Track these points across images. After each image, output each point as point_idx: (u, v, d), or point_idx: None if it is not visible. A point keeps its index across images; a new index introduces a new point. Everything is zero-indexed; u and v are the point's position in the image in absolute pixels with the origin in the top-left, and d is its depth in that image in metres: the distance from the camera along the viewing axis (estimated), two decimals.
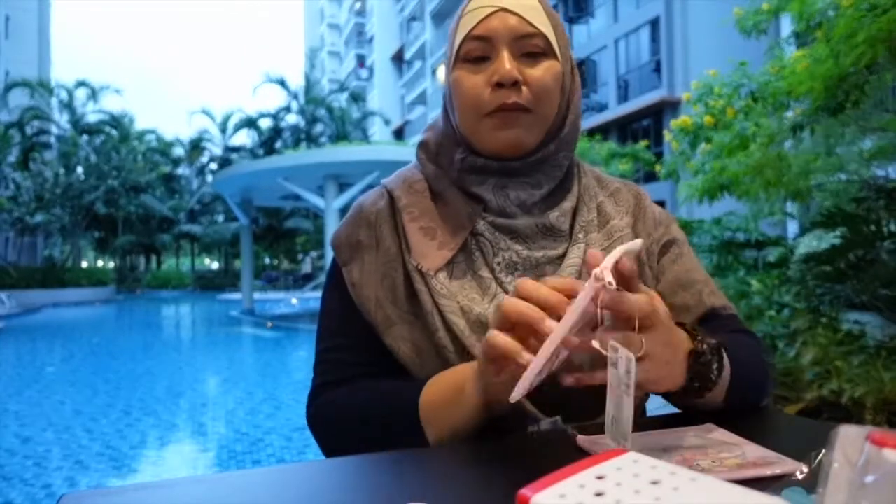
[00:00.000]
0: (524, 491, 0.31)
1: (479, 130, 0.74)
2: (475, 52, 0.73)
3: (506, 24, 0.71)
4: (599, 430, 0.58)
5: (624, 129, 18.48)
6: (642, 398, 0.80)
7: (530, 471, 0.35)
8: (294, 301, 18.19)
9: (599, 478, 0.32)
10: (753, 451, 0.53)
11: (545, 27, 0.73)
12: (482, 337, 0.70)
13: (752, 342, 0.76)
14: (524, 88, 0.71)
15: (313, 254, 29.88)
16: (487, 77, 0.72)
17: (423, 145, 0.83)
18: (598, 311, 0.51)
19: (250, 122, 28.48)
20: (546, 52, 0.73)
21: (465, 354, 0.70)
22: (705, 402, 0.64)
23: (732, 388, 0.66)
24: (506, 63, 0.70)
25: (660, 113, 17.02)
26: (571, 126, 0.77)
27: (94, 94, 25.61)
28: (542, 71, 0.72)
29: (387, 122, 28.21)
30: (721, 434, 0.58)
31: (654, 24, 17.27)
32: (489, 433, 0.64)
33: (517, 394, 0.51)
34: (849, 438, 0.33)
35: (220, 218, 31.31)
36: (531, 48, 0.72)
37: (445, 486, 0.48)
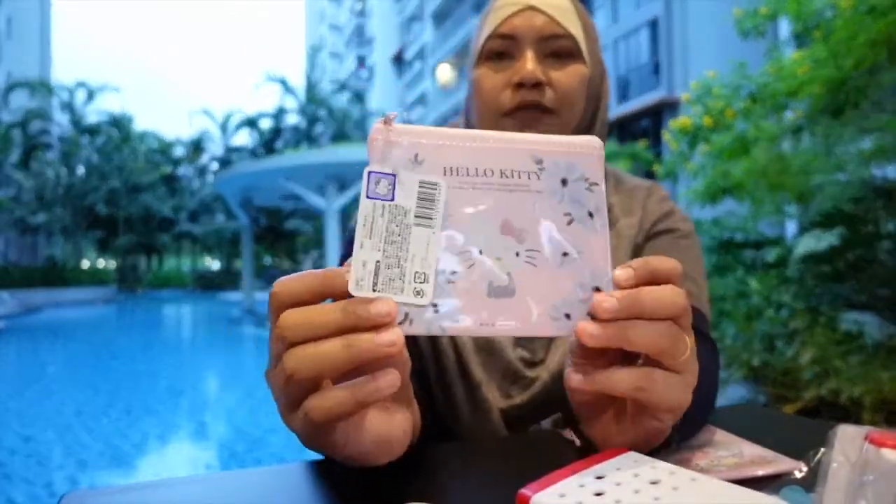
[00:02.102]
0: (524, 490, 0.31)
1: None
2: (498, 50, 0.70)
3: (532, 23, 0.68)
4: None
5: (623, 128, 18.47)
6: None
7: (530, 471, 0.35)
8: None
9: (599, 477, 0.32)
10: (751, 450, 0.53)
11: (574, 28, 0.69)
12: (484, 355, 0.69)
13: (706, 353, 0.61)
14: (548, 90, 0.68)
15: (314, 253, 29.88)
16: (509, 77, 0.69)
17: None
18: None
19: (251, 123, 28.49)
20: (573, 55, 0.69)
21: (461, 367, 0.68)
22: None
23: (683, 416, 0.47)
24: (528, 63, 0.67)
25: (659, 113, 17.01)
26: (597, 134, 0.73)
27: (91, 95, 25.63)
28: (567, 73, 0.69)
29: None
30: (719, 434, 0.58)
31: (654, 24, 17.26)
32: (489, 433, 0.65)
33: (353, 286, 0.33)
34: (848, 438, 0.33)
35: (221, 218, 31.32)
36: (558, 49, 0.69)
37: (445, 486, 0.48)
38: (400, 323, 0.33)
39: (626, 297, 0.34)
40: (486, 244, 0.34)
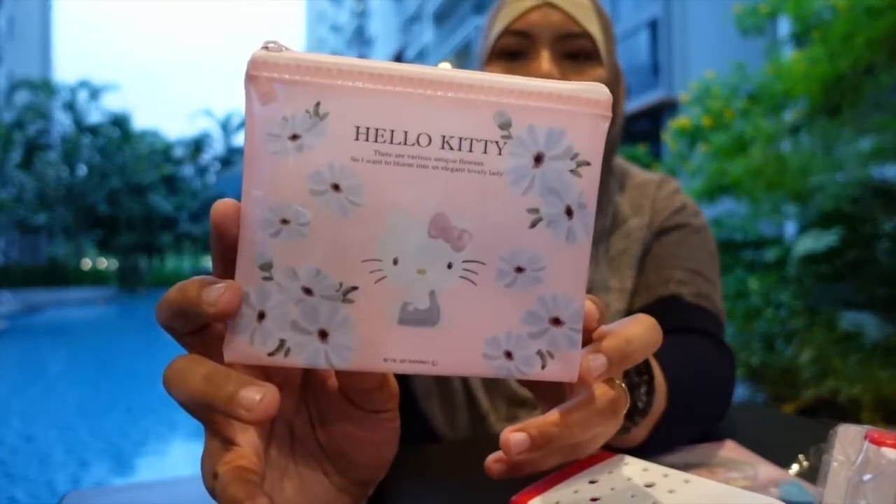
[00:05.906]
0: (517, 498, 0.30)
1: None
2: (511, 48, 0.64)
3: (549, 21, 0.63)
4: None
5: (623, 129, 18.49)
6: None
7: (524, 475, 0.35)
8: None
9: (592, 482, 0.31)
10: (767, 471, 0.49)
11: (593, 27, 0.64)
12: (489, 381, 0.67)
13: (711, 352, 0.59)
14: None
15: None
16: None
17: None
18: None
19: None
20: (591, 57, 0.64)
21: (469, 395, 0.67)
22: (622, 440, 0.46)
23: (664, 418, 0.48)
24: (544, 63, 0.62)
25: (658, 114, 17.02)
26: (611, 138, 0.69)
27: (95, 94, 25.70)
28: (585, 77, 0.63)
29: None
30: (732, 449, 0.54)
31: (653, 24, 17.27)
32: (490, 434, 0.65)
33: (233, 353, 0.25)
34: (848, 437, 0.33)
35: None
36: (575, 50, 0.64)
37: (445, 486, 0.48)
38: (271, 354, 0.24)
39: (612, 361, 0.27)
40: (407, 250, 0.24)
